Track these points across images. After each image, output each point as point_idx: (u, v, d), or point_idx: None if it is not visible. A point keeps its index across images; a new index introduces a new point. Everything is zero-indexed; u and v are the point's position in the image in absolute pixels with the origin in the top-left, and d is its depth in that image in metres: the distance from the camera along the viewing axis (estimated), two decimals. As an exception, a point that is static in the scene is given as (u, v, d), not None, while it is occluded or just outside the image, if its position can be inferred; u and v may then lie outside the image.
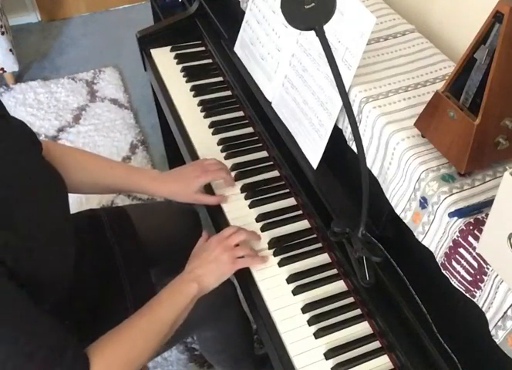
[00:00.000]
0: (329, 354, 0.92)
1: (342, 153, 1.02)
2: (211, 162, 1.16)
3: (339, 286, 1.02)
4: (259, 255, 1.05)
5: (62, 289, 0.87)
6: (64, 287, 0.88)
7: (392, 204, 0.89)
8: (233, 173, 1.21)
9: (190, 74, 1.48)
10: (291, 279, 1.02)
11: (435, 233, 0.80)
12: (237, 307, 1.23)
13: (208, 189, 1.19)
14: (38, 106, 2.47)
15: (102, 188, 1.15)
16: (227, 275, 1.00)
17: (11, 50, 2.42)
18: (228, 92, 1.43)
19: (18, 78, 2.64)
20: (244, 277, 1.05)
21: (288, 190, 1.18)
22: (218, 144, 1.29)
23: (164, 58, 1.54)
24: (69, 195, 0.98)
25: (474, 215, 0.75)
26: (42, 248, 0.81)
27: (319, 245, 1.08)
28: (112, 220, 1.22)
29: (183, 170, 1.15)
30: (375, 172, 0.94)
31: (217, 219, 1.16)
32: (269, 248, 1.07)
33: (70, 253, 0.90)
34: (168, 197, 1.14)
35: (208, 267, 0.97)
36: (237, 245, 1.01)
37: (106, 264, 1.12)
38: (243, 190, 1.18)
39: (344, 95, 0.75)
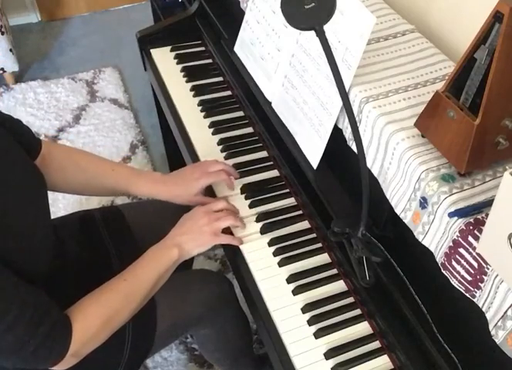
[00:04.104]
0: (329, 354, 0.92)
1: (342, 153, 1.02)
2: (212, 163, 1.16)
3: (339, 286, 1.02)
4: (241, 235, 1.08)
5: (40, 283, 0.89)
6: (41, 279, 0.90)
7: (392, 204, 0.89)
8: (233, 173, 1.21)
9: (190, 74, 1.48)
10: (291, 279, 1.02)
11: (435, 234, 0.80)
12: (234, 305, 1.24)
13: (210, 190, 1.19)
14: (38, 106, 2.47)
15: (103, 190, 1.15)
16: (207, 246, 1.04)
17: (11, 50, 2.43)
18: (228, 92, 1.43)
19: (18, 78, 2.64)
20: (244, 276, 1.05)
21: (287, 190, 1.18)
22: (218, 144, 1.29)
23: (164, 58, 1.54)
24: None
25: (474, 215, 0.75)
26: (16, 241, 0.83)
27: (319, 245, 1.08)
28: (106, 220, 1.22)
29: (183, 172, 1.15)
30: (375, 172, 0.94)
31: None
32: (269, 248, 1.07)
33: (46, 250, 0.92)
34: (169, 200, 1.14)
35: (190, 236, 1.02)
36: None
37: (101, 263, 1.13)
38: (243, 189, 1.18)
39: (344, 95, 0.75)
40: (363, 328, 0.96)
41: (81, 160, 1.12)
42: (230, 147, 1.27)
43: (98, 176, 1.12)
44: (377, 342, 0.94)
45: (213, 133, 1.32)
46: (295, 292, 1.01)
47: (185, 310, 1.13)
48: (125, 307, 0.94)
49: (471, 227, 0.74)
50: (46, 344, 0.82)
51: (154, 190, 1.13)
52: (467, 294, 0.76)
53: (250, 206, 1.15)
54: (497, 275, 0.69)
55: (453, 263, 0.77)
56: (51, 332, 0.82)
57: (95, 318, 0.89)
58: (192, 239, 1.02)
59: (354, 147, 0.97)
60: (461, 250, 0.75)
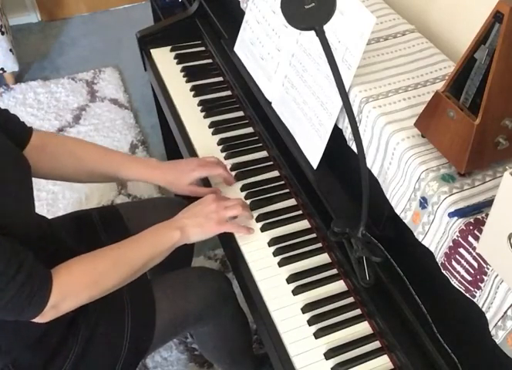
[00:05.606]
0: (329, 354, 0.92)
1: (342, 153, 1.02)
2: (209, 158, 1.17)
3: (339, 286, 1.02)
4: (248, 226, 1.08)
5: None
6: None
7: (392, 204, 0.89)
8: (233, 173, 1.21)
9: (190, 74, 1.48)
10: (291, 279, 1.02)
11: (435, 234, 0.80)
12: (233, 302, 1.24)
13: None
14: (38, 106, 2.47)
15: (98, 176, 1.14)
16: (211, 233, 1.04)
17: (11, 50, 2.42)
18: (228, 92, 1.43)
19: (18, 78, 2.64)
20: (244, 276, 1.05)
21: (287, 190, 1.18)
22: (218, 144, 1.29)
23: (164, 58, 1.54)
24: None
25: (474, 215, 0.75)
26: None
27: (319, 245, 1.08)
28: (104, 219, 1.22)
29: (179, 162, 1.17)
30: (375, 172, 0.94)
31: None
32: (269, 248, 1.07)
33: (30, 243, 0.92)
34: (163, 186, 1.15)
35: (196, 220, 1.02)
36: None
37: None
38: (243, 190, 1.18)
39: (344, 95, 0.75)
40: (363, 328, 0.96)
41: (75, 148, 1.12)
42: (230, 147, 1.28)
43: (92, 162, 1.12)
44: (377, 342, 0.94)
45: (214, 133, 1.32)
46: (295, 292, 1.01)
47: (184, 306, 1.13)
48: (111, 272, 0.94)
49: (471, 227, 0.74)
50: (24, 292, 0.82)
51: (147, 175, 1.13)
52: (467, 294, 0.76)
53: (251, 206, 1.15)
54: (497, 275, 0.69)
55: (453, 263, 0.77)
56: (28, 280, 0.83)
57: (79, 274, 0.90)
58: (197, 224, 1.02)
59: (354, 147, 0.97)
60: (461, 250, 0.75)
